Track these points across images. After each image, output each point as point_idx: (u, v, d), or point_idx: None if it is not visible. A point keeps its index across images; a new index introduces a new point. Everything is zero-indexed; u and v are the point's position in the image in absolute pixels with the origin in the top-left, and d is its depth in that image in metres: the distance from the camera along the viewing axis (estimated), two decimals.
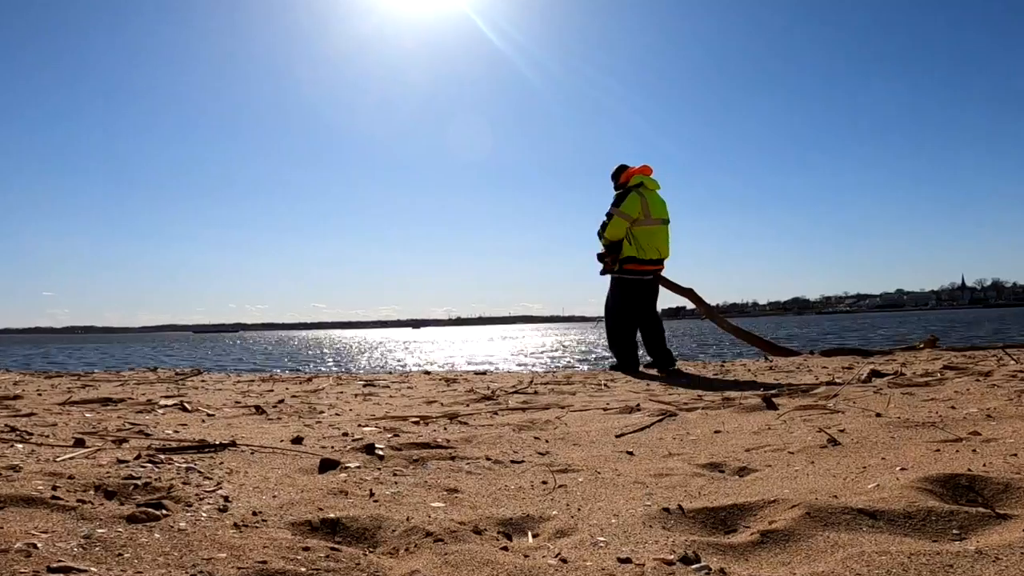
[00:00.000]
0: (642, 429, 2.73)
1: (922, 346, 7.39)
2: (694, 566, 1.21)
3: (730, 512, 1.51)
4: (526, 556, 1.29)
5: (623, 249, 6.11)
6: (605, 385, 4.84)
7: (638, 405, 3.46)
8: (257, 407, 3.55)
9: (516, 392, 4.38)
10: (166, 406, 3.55)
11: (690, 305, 7.70)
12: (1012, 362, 4.84)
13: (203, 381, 5.74)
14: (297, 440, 2.42)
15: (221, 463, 1.99)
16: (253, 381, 5.79)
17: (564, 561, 1.26)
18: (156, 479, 1.71)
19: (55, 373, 7.12)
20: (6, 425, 2.63)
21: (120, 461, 1.92)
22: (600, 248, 6.37)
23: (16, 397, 4.00)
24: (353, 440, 2.46)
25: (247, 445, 2.27)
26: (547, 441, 2.52)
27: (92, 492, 1.57)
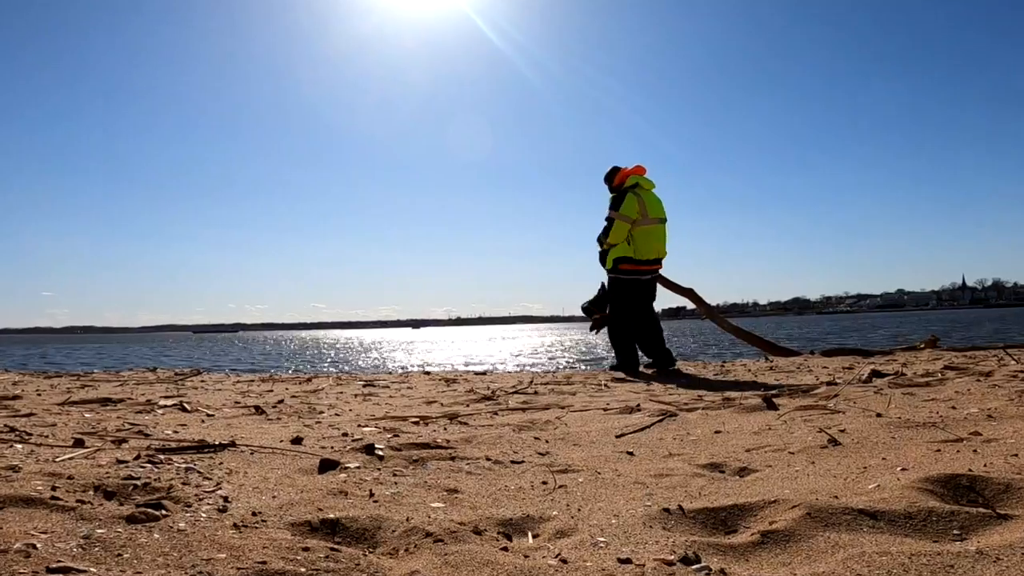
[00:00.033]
0: (642, 429, 2.73)
1: (923, 346, 7.39)
2: (694, 566, 1.21)
3: (730, 512, 1.51)
4: (526, 556, 1.29)
5: (621, 249, 6.10)
6: (605, 385, 4.84)
7: (638, 405, 3.46)
8: (257, 407, 3.55)
9: (516, 392, 4.38)
10: (165, 406, 3.55)
11: (690, 305, 7.70)
12: (1013, 362, 4.84)
13: (202, 381, 5.74)
14: (297, 440, 2.42)
15: (221, 463, 1.99)
16: (253, 381, 5.79)
17: (564, 561, 1.25)
18: (155, 479, 1.71)
19: (54, 373, 7.12)
20: (5, 425, 2.63)
21: (119, 461, 1.92)
22: (598, 252, 6.37)
23: (15, 397, 4.00)
24: (353, 440, 2.45)
25: (247, 445, 2.27)
26: (547, 441, 2.52)
27: (91, 492, 1.57)
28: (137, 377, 6.16)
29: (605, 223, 6.20)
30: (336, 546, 1.32)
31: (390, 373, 7.82)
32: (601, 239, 6.29)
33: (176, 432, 2.63)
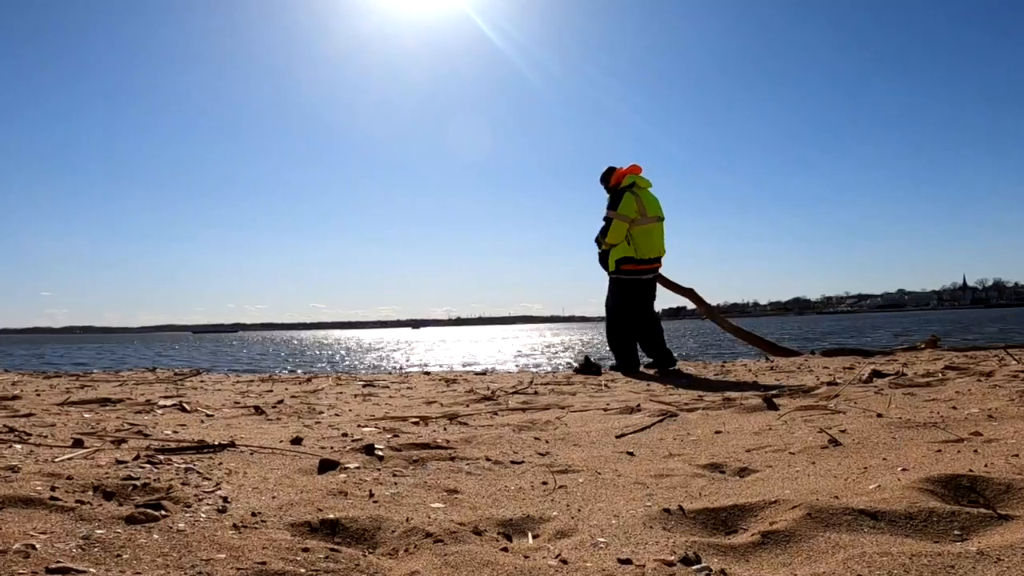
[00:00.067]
0: (642, 429, 2.72)
1: (923, 346, 7.38)
2: (694, 567, 1.20)
3: (731, 513, 1.51)
4: (526, 557, 1.29)
5: (622, 250, 6.09)
6: (605, 385, 4.84)
7: (638, 405, 3.46)
8: (256, 407, 3.55)
9: (516, 392, 4.38)
10: (165, 406, 3.54)
11: (691, 305, 7.69)
12: (1014, 362, 4.84)
13: (202, 381, 5.74)
14: (296, 441, 2.41)
15: (220, 464, 1.99)
16: (252, 381, 5.79)
17: (564, 562, 1.25)
18: (155, 480, 1.71)
19: (53, 373, 7.12)
20: (4, 426, 2.62)
21: (119, 462, 1.91)
22: (598, 253, 6.37)
23: (15, 397, 4.00)
24: (352, 440, 2.45)
25: (246, 446, 2.26)
26: (547, 442, 2.52)
27: (91, 493, 1.57)
28: (136, 377, 6.15)
29: (603, 223, 6.20)
30: (336, 546, 1.32)
31: (390, 373, 7.82)
32: (599, 239, 6.29)
33: (175, 432, 2.63)
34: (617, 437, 2.58)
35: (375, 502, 1.64)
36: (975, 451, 1.92)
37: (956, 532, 1.33)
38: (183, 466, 1.90)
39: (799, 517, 1.39)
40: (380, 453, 2.19)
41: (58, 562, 1.12)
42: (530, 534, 1.45)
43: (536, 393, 4.34)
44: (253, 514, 1.49)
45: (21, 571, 1.08)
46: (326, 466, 1.99)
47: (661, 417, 2.97)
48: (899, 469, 1.78)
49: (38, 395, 4.27)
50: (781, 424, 2.67)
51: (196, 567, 1.16)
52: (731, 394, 3.87)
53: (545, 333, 55.21)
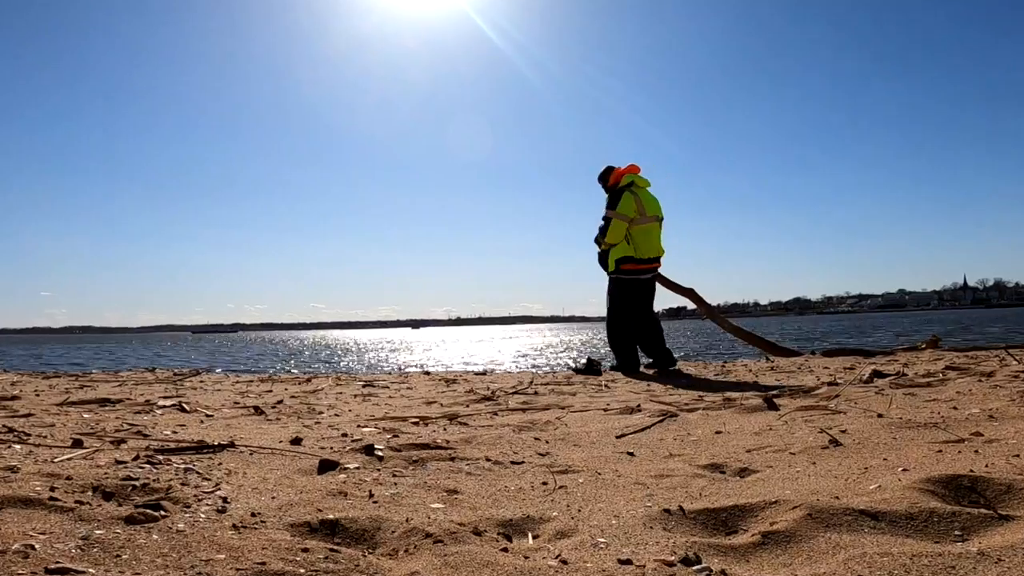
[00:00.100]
0: (643, 430, 2.72)
1: (924, 346, 7.38)
2: (695, 567, 1.20)
3: (731, 513, 1.50)
4: (526, 557, 1.29)
5: (622, 249, 6.09)
6: (605, 386, 4.84)
7: (639, 406, 3.45)
8: (256, 408, 3.55)
9: (516, 393, 4.38)
10: (164, 407, 3.54)
11: (691, 305, 7.69)
12: (1014, 363, 4.83)
13: (201, 381, 5.74)
14: (296, 441, 2.41)
15: (220, 464, 1.98)
16: (252, 382, 5.78)
17: (564, 562, 1.25)
18: (154, 480, 1.71)
19: (53, 373, 7.11)
20: (4, 426, 2.62)
21: (118, 462, 1.91)
22: (597, 253, 6.37)
23: (14, 398, 3.99)
24: (352, 441, 2.45)
25: (246, 446, 2.26)
26: (547, 442, 2.52)
27: (90, 493, 1.56)
28: (136, 377, 6.15)
29: (602, 222, 6.20)
30: (335, 547, 1.32)
31: (389, 373, 7.81)
32: (599, 239, 6.29)
33: (175, 432, 2.63)
34: (617, 437, 2.58)
35: (375, 502, 1.64)
36: (976, 451, 1.91)
37: (957, 532, 1.33)
38: (182, 466, 1.90)
39: (800, 517, 1.39)
40: (380, 453, 2.18)
41: (57, 562, 1.12)
42: (530, 534, 1.45)
43: (536, 393, 4.34)
44: (253, 514, 1.48)
45: (20, 571, 1.08)
46: (326, 466, 1.98)
47: (661, 417, 2.97)
48: (900, 469, 1.78)
49: (37, 395, 4.27)
50: (782, 424, 2.67)
51: (196, 567, 1.16)
52: (731, 394, 3.87)
53: (545, 333, 55.22)
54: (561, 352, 17.15)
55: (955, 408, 2.74)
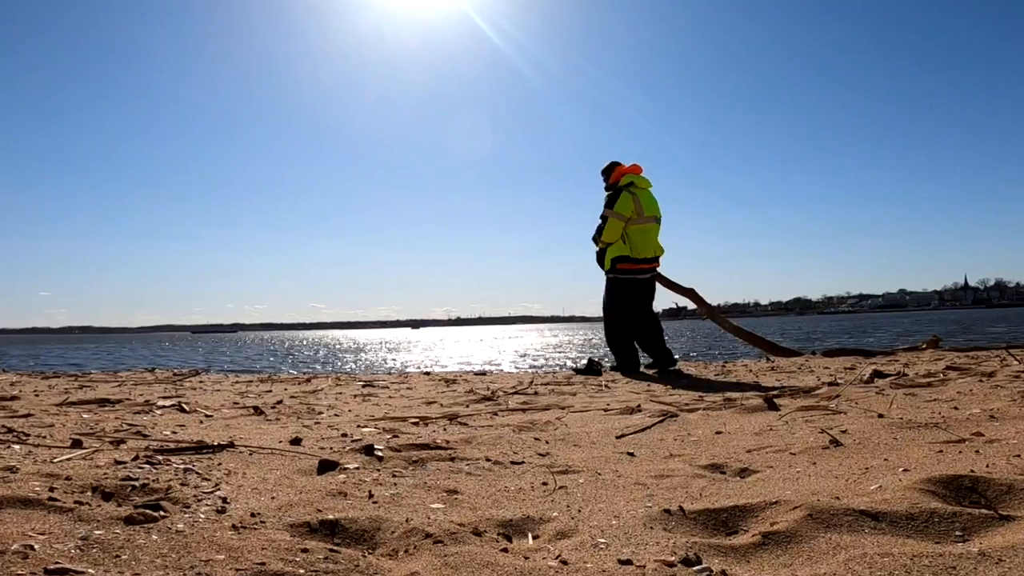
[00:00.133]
0: (643, 430, 2.72)
1: (925, 346, 7.38)
2: (695, 568, 1.20)
3: (731, 513, 1.50)
4: (526, 558, 1.28)
5: (618, 249, 6.09)
6: (606, 386, 4.83)
7: (639, 406, 3.45)
8: (255, 408, 3.55)
9: (516, 393, 4.37)
10: (164, 407, 3.54)
11: (691, 305, 7.69)
12: (1015, 363, 4.83)
13: (201, 382, 5.74)
14: (296, 441, 2.41)
15: (219, 464, 1.98)
16: (251, 382, 5.78)
17: (564, 563, 1.25)
18: (154, 480, 1.70)
19: (52, 374, 7.11)
20: (3, 426, 2.62)
21: (118, 462, 1.91)
22: (595, 252, 6.37)
23: (13, 398, 3.99)
24: (352, 441, 2.45)
25: (245, 446, 2.26)
26: (547, 442, 2.52)
27: (89, 493, 1.56)
28: (135, 378, 6.15)
29: (600, 221, 6.21)
30: (335, 547, 1.31)
31: (389, 373, 7.81)
32: (596, 238, 6.29)
33: (174, 433, 2.63)
34: (617, 437, 2.58)
35: (375, 503, 1.64)
36: (977, 452, 1.91)
37: (958, 533, 1.33)
38: (182, 467, 1.90)
39: (800, 518, 1.39)
40: (380, 454, 2.18)
41: (57, 563, 1.12)
42: (530, 535, 1.45)
43: (536, 393, 4.34)
44: (252, 515, 1.48)
45: (20, 572, 1.07)
46: (325, 467, 1.98)
47: (661, 417, 2.97)
48: (900, 470, 1.78)
49: (37, 395, 4.27)
50: (782, 424, 2.66)
51: (195, 568, 1.16)
52: (732, 394, 3.86)
53: (545, 333, 55.22)
54: (561, 352, 17.15)
55: (956, 408, 2.74)
